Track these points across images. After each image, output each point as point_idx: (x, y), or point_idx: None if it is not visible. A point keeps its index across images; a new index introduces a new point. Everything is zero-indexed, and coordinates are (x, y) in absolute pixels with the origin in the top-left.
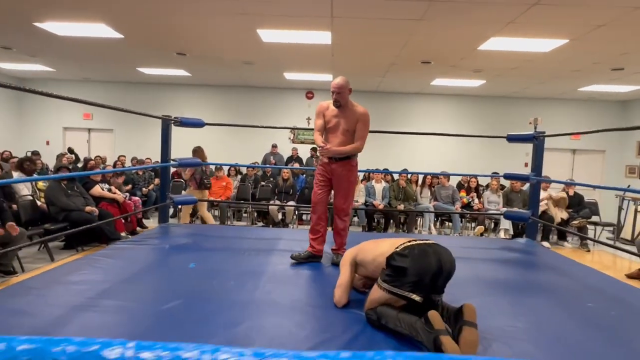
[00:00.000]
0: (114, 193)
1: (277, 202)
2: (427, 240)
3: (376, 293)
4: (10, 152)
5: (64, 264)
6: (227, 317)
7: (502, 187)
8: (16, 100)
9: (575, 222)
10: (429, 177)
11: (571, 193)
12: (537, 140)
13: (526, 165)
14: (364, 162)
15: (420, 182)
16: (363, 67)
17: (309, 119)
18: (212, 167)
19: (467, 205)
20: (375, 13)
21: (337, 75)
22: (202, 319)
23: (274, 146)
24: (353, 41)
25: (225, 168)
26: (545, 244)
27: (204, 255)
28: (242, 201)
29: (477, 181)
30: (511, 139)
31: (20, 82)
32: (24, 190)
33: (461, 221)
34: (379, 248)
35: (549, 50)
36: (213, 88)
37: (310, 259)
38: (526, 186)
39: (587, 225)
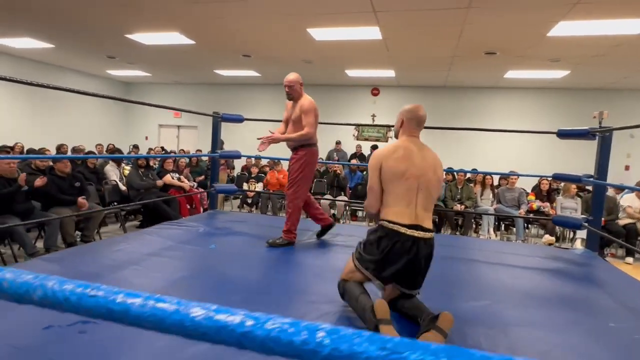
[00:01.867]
0: (182, 182)
1: (329, 197)
2: (421, 233)
3: (350, 264)
4: (113, 144)
5: (113, 237)
6: (212, 290)
7: (588, 191)
8: (123, 102)
9: None
10: (488, 177)
11: None
12: (593, 137)
13: (627, 168)
14: None
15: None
16: (423, 60)
17: (374, 115)
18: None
19: (537, 211)
20: (417, 4)
21: (399, 70)
22: (192, 290)
23: (338, 143)
24: (404, 34)
25: (285, 163)
26: (629, 259)
27: (228, 239)
28: None
29: (550, 184)
30: (562, 134)
31: (125, 86)
32: (113, 176)
33: (527, 227)
34: (396, 186)
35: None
36: (281, 87)
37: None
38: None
39: None
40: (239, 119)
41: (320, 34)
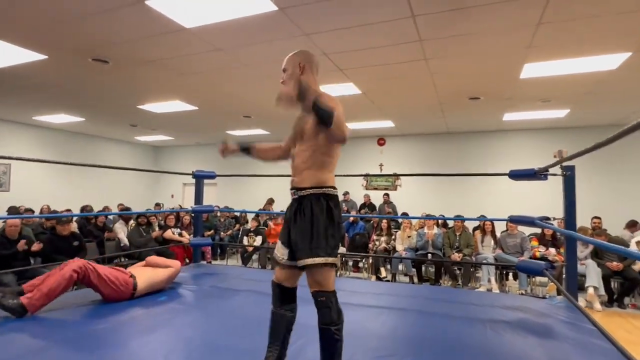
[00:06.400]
0: (182, 237)
1: None
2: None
3: (326, 271)
4: (122, 205)
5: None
6: (129, 335)
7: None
8: (153, 164)
9: None
10: (487, 223)
11: None
12: (545, 177)
13: None
14: (433, 207)
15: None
16: (413, 109)
17: (381, 165)
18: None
19: (542, 259)
20: (375, 60)
21: (397, 120)
22: (111, 333)
23: (346, 193)
24: (380, 87)
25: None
26: None
27: (182, 291)
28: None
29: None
30: (513, 175)
31: (154, 150)
32: (121, 232)
33: (532, 277)
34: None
35: (617, 66)
36: None
37: None
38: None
39: None
40: (212, 176)
41: None
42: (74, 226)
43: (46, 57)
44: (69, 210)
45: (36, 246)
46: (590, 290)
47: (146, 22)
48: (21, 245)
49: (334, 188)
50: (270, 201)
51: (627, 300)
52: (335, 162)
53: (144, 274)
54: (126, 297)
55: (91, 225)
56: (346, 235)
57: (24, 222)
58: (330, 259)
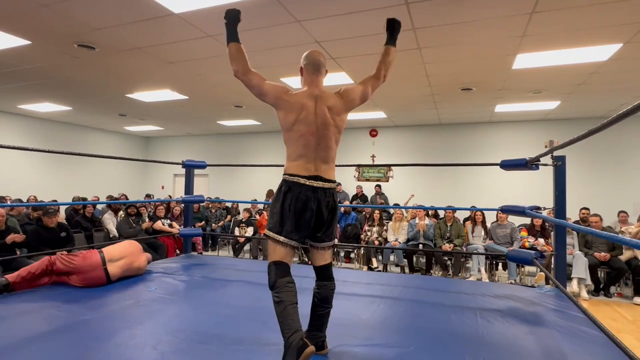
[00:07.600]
0: (172, 227)
1: None
2: (320, 183)
3: (268, 244)
4: (125, 195)
5: None
6: (117, 325)
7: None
8: (144, 155)
9: None
10: (478, 214)
11: None
12: (536, 167)
13: None
14: (425, 199)
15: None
16: (405, 99)
17: (373, 156)
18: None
19: (532, 249)
20: (369, 48)
21: (390, 111)
22: (99, 324)
23: (338, 185)
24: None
25: None
26: (638, 300)
27: (171, 282)
28: None
29: (543, 220)
30: (505, 165)
31: (145, 140)
32: (110, 224)
33: (521, 267)
34: (293, 142)
35: (608, 58)
36: (280, 134)
37: None
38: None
39: None
40: (202, 165)
41: (293, 82)
42: (61, 217)
43: (29, 42)
44: (55, 201)
45: (18, 237)
46: (575, 282)
47: (133, 6)
48: (10, 239)
49: (288, 175)
50: (270, 192)
51: (613, 289)
52: (292, 151)
53: (107, 248)
54: (97, 261)
55: (79, 217)
56: (338, 226)
57: (10, 213)
58: (266, 231)
